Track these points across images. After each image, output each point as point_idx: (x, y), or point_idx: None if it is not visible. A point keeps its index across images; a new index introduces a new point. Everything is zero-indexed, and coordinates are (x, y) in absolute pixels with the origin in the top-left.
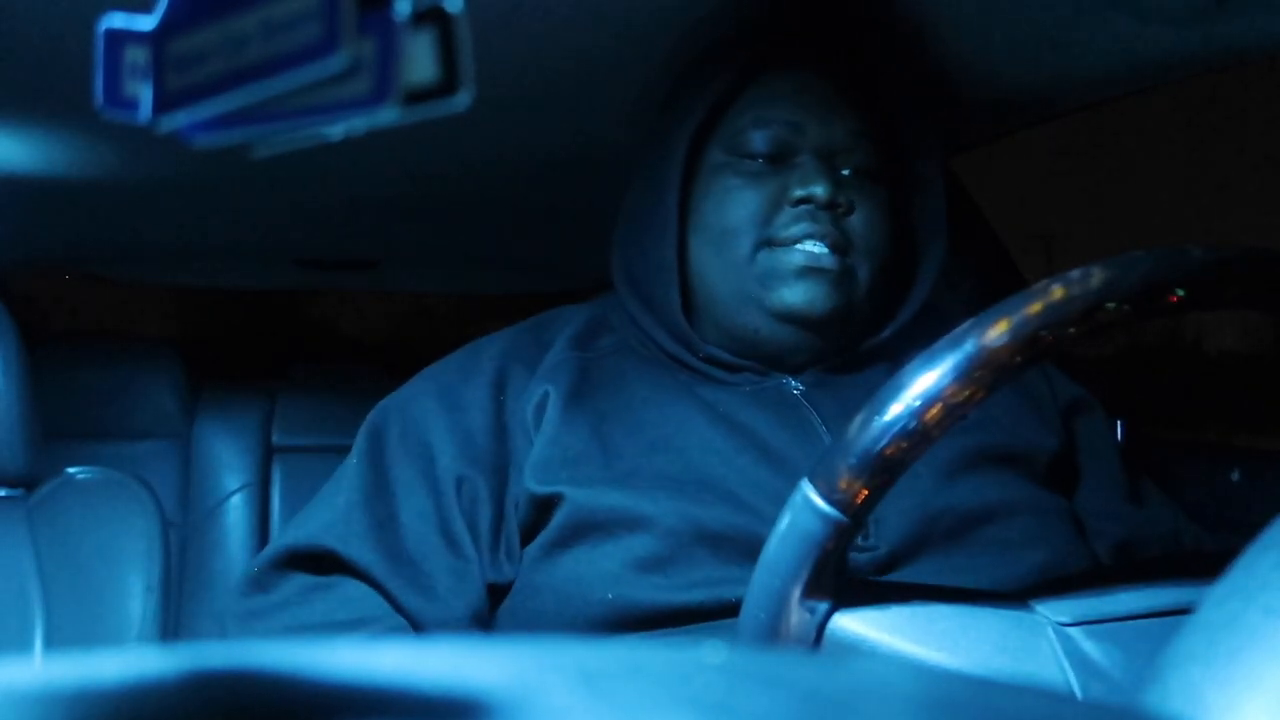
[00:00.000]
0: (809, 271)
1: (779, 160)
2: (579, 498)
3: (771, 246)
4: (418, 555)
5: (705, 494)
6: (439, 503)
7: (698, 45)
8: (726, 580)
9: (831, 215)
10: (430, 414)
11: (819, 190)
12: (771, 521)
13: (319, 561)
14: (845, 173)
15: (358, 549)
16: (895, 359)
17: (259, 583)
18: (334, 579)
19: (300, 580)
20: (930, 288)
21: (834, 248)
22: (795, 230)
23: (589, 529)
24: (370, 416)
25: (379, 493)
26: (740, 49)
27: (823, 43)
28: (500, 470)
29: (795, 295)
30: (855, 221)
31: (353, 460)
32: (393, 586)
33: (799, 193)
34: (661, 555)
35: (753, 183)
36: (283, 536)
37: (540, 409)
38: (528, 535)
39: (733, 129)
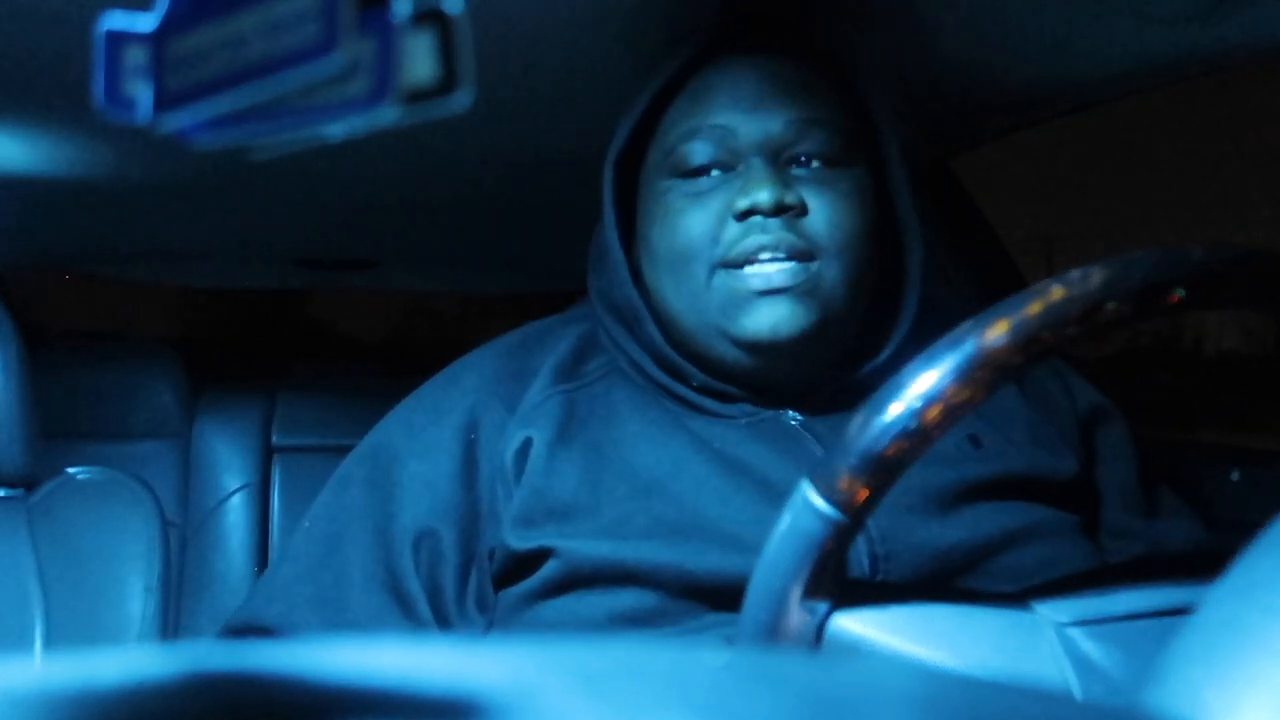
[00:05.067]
0: (767, 294)
1: (724, 169)
2: (565, 552)
3: (727, 269)
4: (363, 619)
5: (701, 542)
6: (391, 562)
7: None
8: (719, 624)
9: (783, 221)
10: (396, 462)
11: (763, 197)
12: None
13: (264, 638)
14: (800, 167)
15: (297, 623)
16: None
17: None
18: None
19: None
20: (919, 289)
21: (795, 257)
22: (747, 245)
23: (575, 581)
24: (342, 464)
25: (329, 556)
26: (666, 58)
27: (756, 35)
28: (468, 520)
29: (757, 322)
30: (815, 221)
31: (306, 523)
32: None
33: (742, 203)
34: (650, 608)
35: (697, 202)
36: (232, 615)
37: (521, 456)
38: (504, 582)
39: (667, 147)
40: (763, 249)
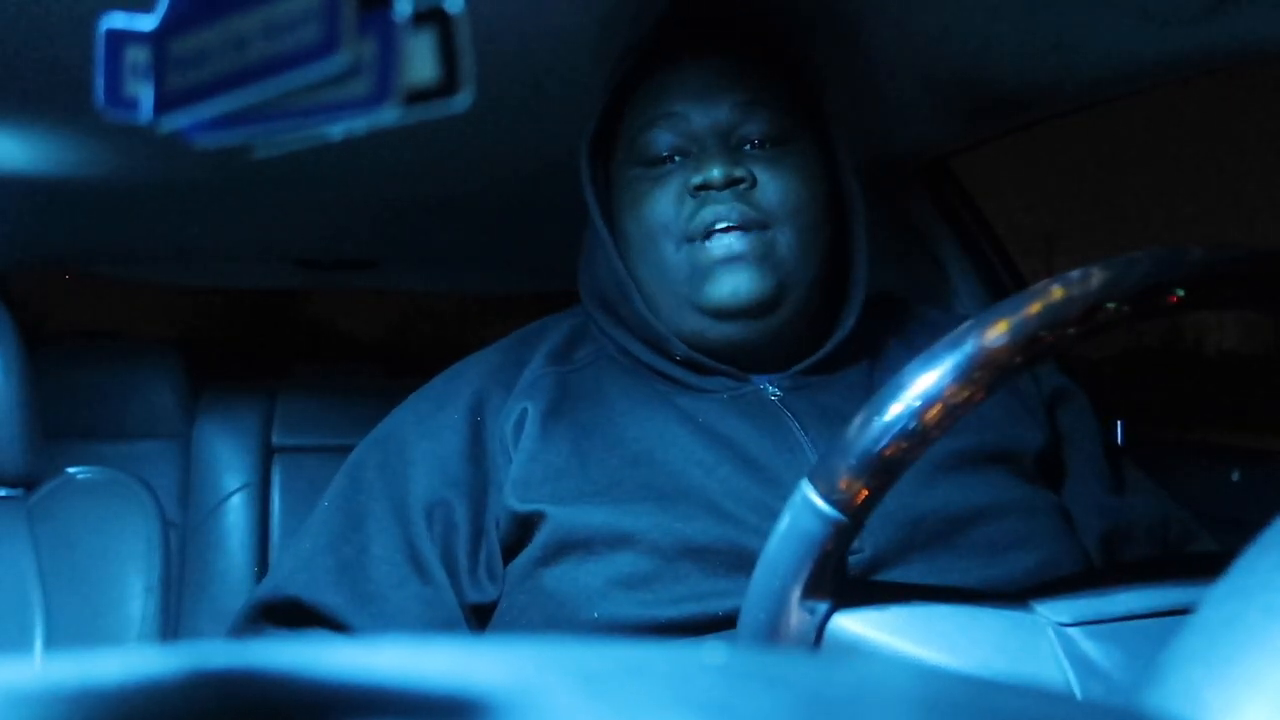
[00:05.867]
0: (727, 262)
1: (684, 155)
2: (561, 516)
3: (690, 242)
4: (385, 588)
5: (688, 507)
6: (408, 532)
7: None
8: (713, 594)
9: (735, 193)
10: (407, 444)
11: (714, 172)
12: (755, 531)
13: (289, 610)
14: (750, 146)
15: (322, 592)
16: (872, 358)
17: (236, 637)
18: (303, 631)
19: (271, 635)
20: (866, 254)
21: (748, 226)
22: (704, 216)
23: (572, 547)
24: (354, 452)
25: (349, 532)
26: (628, 58)
27: (708, 33)
28: (478, 492)
29: (719, 289)
30: (765, 192)
31: (325, 503)
32: (358, 624)
33: (695, 179)
34: (646, 572)
35: (660, 184)
36: (256, 588)
37: (519, 426)
38: (510, 553)
39: (630, 138)
40: (719, 219)
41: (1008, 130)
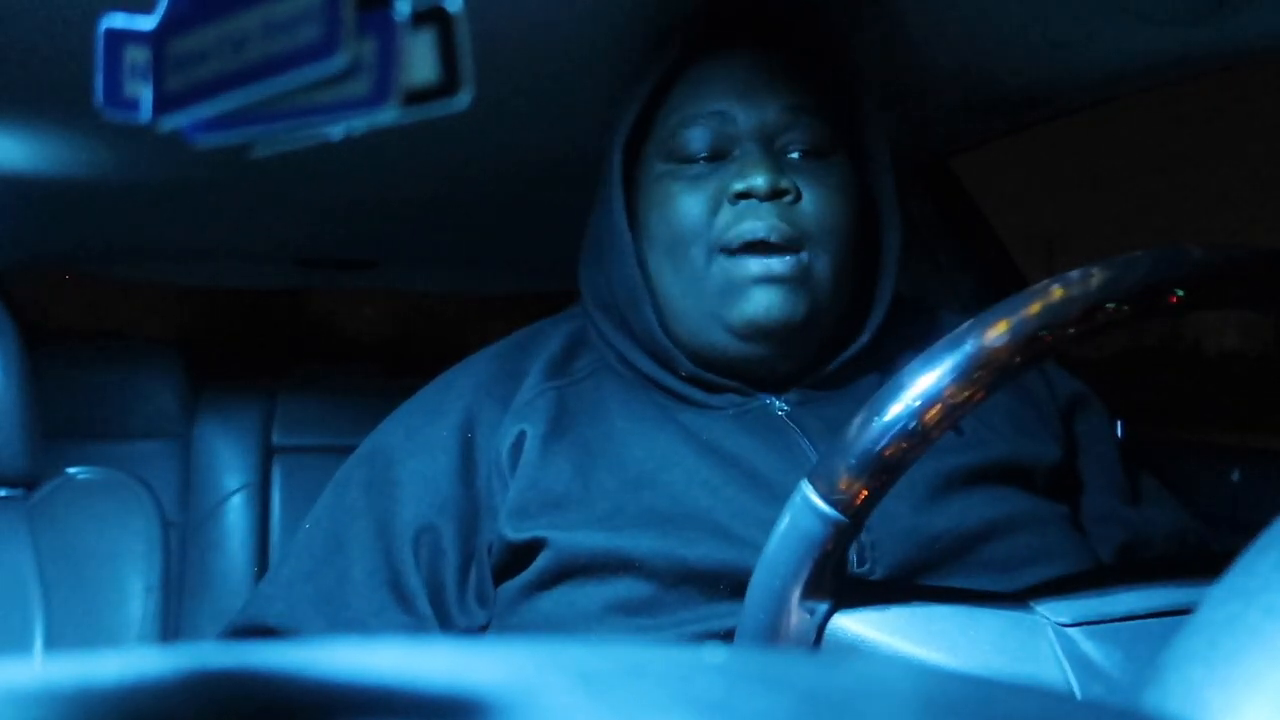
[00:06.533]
0: (764, 281)
1: (720, 156)
2: (561, 541)
3: (725, 254)
4: (364, 616)
5: (692, 531)
6: (393, 560)
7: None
8: (714, 615)
9: (777, 205)
10: (394, 462)
11: (759, 181)
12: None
13: (267, 638)
14: (792, 155)
15: (299, 620)
16: (883, 370)
17: None
18: None
19: None
20: (896, 277)
21: (786, 242)
22: (743, 229)
23: (571, 572)
24: (341, 468)
25: (331, 556)
26: (665, 48)
27: (749, 26)
28: (468, 515)
29: (753, 307)
30: (806, 207)
31: (307, 524)
32: None
33: (738, 186)
34: (646, 597)
35: (694, 186)
36: (236, 614)
37: (516, 450)
38: (502, 576)
39: (665, 133)
40: (757, 234)
41: (1008, 130)
